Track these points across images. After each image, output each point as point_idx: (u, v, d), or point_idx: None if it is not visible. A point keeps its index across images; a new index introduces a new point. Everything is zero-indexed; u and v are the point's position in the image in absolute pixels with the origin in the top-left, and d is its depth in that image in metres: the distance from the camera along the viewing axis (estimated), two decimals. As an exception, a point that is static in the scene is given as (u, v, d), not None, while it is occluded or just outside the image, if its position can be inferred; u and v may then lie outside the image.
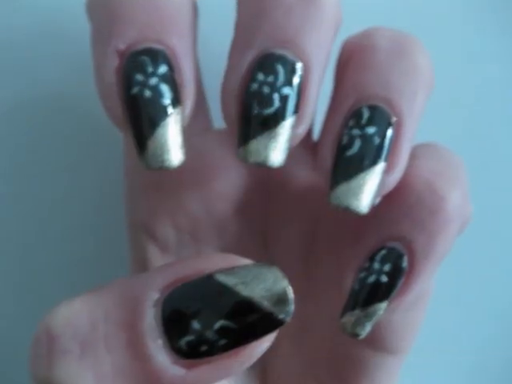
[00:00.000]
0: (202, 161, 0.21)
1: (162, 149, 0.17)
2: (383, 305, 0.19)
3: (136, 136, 0.17)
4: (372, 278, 0.19)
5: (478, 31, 0.26)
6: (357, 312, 0.19)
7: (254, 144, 0.17)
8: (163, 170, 0.17)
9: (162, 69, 0.17)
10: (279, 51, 0.17)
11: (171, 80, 0.17)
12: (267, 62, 0.17)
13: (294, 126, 0.18)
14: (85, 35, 0.19)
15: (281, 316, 0.15)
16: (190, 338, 0.15)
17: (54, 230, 0.26)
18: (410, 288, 0.19)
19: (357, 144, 0.18)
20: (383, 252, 0.19)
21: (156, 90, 0.17)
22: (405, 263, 0.19)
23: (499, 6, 0.26)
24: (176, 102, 0.17)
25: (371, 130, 0.18)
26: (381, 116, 0.18)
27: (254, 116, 0.17)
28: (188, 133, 0.18)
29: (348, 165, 0.18)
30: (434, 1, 0.26)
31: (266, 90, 0.17)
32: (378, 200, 0.19)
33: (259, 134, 0.17)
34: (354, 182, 0.18)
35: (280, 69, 0.17)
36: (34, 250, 0.26)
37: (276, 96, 0.17)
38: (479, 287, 0.27)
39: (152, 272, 0.17)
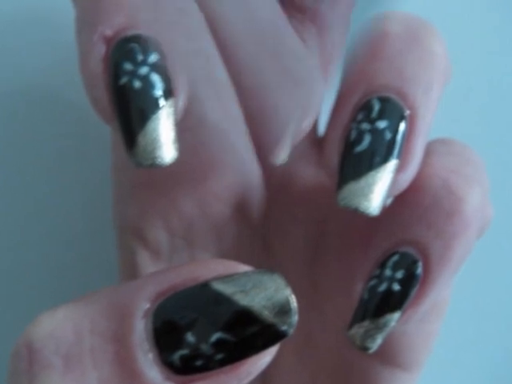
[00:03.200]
0: (196, 157, 0.21)
1: (153, 144, 0.16)
2: (395, 315, 0.18)
3: (124, 131, 0.16)
4: (383, 286, 0.18)
5: (496, 21, 0.27)
6: (366, 323, 0.18)
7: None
8: (154, 167, 0.16)
9: (153, 57, 0.17)
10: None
11: (163, 69, 0.17)
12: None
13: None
14: (71, 21, 0.18)
15: (283, 328, 0.15)
16: (183, 351, 0.15)
17: (35, 232, 0.25)
18: (424, 297, 0.18)
19: (366, 139, 0.18)
20: (395, 258, 0.18)
21: (146, 81, 0.16)
22: (419, 270, 0.18)
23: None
24: (168, 93, 0.17)
25: (382, 124, 0.18)
26: (393, 109, 0.18)
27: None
28: (181, 127, 0.17)
29: (357, 162, 0.18)
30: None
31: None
32: (389, 201, 0.19)
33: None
34: (363, 181, 0.17)
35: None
36: (14, 253, 0.25)
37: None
38: (499, 295, 0.27)
39: (142, 279, 0.16)
